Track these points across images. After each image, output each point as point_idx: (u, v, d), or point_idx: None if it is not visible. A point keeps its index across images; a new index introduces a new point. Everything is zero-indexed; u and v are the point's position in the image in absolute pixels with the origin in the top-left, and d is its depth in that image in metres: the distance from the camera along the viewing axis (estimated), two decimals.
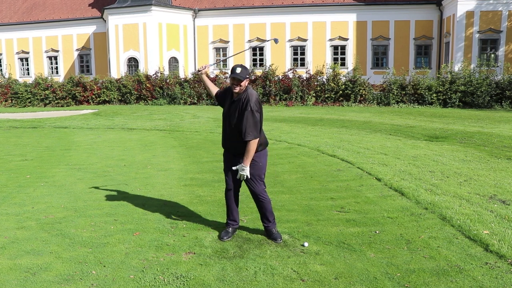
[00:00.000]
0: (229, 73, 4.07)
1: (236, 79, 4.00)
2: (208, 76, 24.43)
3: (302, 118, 15.83)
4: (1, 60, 33.78)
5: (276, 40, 4.86)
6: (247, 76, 4.08)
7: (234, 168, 4.19)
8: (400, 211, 5.10)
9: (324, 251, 4.04)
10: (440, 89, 20.06)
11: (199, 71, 4.49)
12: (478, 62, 21.83)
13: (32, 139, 11.75)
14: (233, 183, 4.35)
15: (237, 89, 4.05)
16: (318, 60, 27.68)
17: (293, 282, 3.48)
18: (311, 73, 23.10)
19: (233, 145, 4.22)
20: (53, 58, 32.90)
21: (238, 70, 4.01)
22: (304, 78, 22.13)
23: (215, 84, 22.72)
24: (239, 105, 4.08)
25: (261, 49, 29.63)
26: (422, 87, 20.24)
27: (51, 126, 14.75)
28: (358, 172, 7.09)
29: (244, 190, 5.30)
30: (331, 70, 22.02)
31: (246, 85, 4.12)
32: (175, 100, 23.23)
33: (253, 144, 4.06)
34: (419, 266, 3.70)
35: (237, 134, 4.12)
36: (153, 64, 27.24)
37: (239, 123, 4.07)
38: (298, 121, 14.70)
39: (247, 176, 4.14)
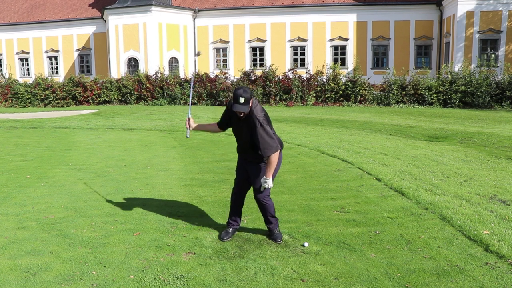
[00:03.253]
0: (232, 100, 3.89)
1: (240, 112, 3.94)
2: (208, 77, 24.29)
3: (302, 118, 15.83)
4: (1, 60, 33.77)
5: (198, 53, 5.02)
6: (251, 99, 3.89)
7: (257, 185, 4.14)
8: (400, 211, 5.10)
9: (324, 251, 4.04)
10: (440, 89, 20.06)
11: (187, 128, 4.48)
12: (478, 62, 21.83)
13: (32, 139, 11.74)
14: (242, 186, 4.39)
15: (242, 116, 4.00)
16: (318, 60, 27.69)
17: (293, 282, 3.48)
18: (311, 73, 23.10)
19: (248, 154, 4.24)
20: (53, 58, 32.90)
21: (242, 100, 3.82)
22: (304, 78, 22.13)
23: (215, 84, 22.74)
24: (247, 122, 4.01)
25: (261, 49, 29.63)
26: (422, 87, 20.24)
27: (51, 126, 14.75)
28: (358, 172, 7.09)
29: None
30: (331, 70, 22.01)
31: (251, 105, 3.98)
32: (175, 100, 23.24)
33: (275, 157, 3.97)
34: (419, 266, 3.70)
35: (250, 146, 4.12)
36: (153, 64, 27.25)
37: (251, 140, 4.02)
38: (298, 121, 14.70)
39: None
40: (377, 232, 4.48)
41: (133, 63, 28.36)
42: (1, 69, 33.05)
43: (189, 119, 4.43)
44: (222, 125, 4.36)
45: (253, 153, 4.15)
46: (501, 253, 3.88)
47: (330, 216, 5.00)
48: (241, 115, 4.00)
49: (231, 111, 4.14)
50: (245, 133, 4.08)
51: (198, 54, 4.39)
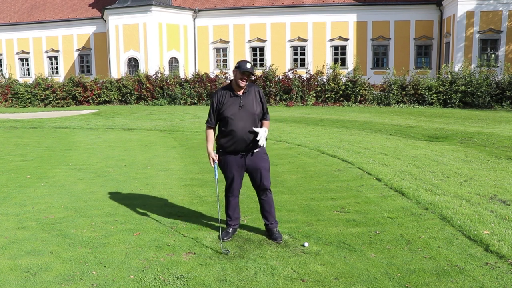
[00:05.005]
0: (238, 68, 4.12)
1: (247, 73, 4.10)
2: (208, 77, 24.37)
3: (302, 118, 15.83)
4: (2, 60, 33.78)
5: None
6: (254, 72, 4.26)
7: (255, 129, 4.16)
8: (400, 211, 5.10)
9: (324, 251, 4.04)
10: (441, 89, 20.05)
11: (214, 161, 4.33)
12: (479, 62, 21.83)
13: (33, 139, 11.75)
14: (238, 185, 4.38)
15: (243, 84, 4.15)
16: (318, 60, 27.68)
17: (293, 282, 3.47)
18: (311, 73, 23.10)
19: (249, 137, 4.17)
20: (53, 58, 32.90)
21: (249, 65, 4.12)
22: (305, 78, 22.13)
23: (215, 84, 22.79)
24: (253, 95, 4.25)
25: (261, 49, 29.63)
26: (423, 87, 20.24)
27: (52, 126, 14.76)
28: (358, 172, 7.09)
29: (243, 190, 5.30)
30: (331, 70, 22.01)
31: None
32: (175, 100, 23.24)
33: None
34: (419, 266, 3.70)
35: (253, 123, 4.18)
36: (153, 64, 27.25)
37: (259, 109, 4.25)
38: (298, 121, 14.70)
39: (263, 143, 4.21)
40: (377, 232, 4.48)
41: (133, 63, 28.36)
42: (1, 69, 33.05)
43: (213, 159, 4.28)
44: (215, 123, 4.32)
45: (254, 132, 4.17)
46: (501, 253, 3.88)
47: (330, 216, 5.00)
48: (243, 83, 4.14)
49: (222, 98, 4.22)
50: (253, 105, 4.19)
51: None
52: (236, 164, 4.27)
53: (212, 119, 4.29)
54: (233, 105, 4.18)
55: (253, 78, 4.53)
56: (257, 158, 4.26)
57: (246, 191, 5.65)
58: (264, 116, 4.33)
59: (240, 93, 4.21)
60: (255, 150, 4.25)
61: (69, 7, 32.56)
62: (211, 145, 4.33)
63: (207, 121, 4.33)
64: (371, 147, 9.41)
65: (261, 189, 4.34)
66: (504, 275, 3.51)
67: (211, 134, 4.33)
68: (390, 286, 3.38)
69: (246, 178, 4.48)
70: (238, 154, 4.25)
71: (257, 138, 4.15)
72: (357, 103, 20.97)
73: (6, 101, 24.70)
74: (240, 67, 4.10)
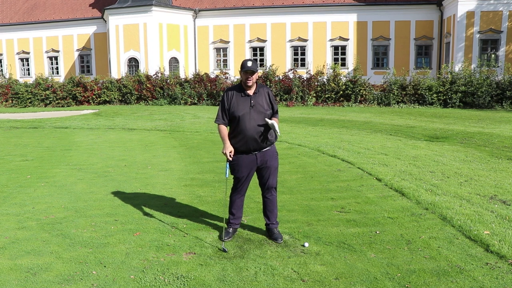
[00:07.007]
0: (241, 68, 4.14)
1: (249, 71, 4.10)
2: (208, 77, 24.34)
3: (302, 118, 15.83)
4: (2, 61, 33.78)
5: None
6: (258, 68, 4.20)
7: (267, 119, 4.17)
8: (400, 212, 5.10)
9: (324, 251, 4.04)
10: (441, 90, 20.05)
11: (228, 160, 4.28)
12: (479, 62, 21.83)
13: (33, 140, 11.75)
14: (247, 185, 4.40)
15: (250, 82, 4.15)
16: (319, 60, 27.68)
17: (293, 282, 3.47)
18: (312, 73, 23.10)
19: (259, 135, 4.18)
20: (53, 58, 32.91)
21: (250, 63, 4.12)
22: (305, 78, 22.13)
23: (215, 84, 22.80)
24: (264, 96, 4.27)
25: (262, 49, 29.63)
26: (423, 88, 20.24)
27: (52, 127, 14.76)
28: (358, 173, 7.09)
29: None
30: (331, 70, 22.01)
31: (257, 78, 4.25)
32: (175, 100, 23.24)
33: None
34: (419, 266, 3.70)
35: (262, 121, 4.19)
36: (153, 64, 27.25)
37: (269, 110, 4.28)
38: (298, 121, 14.70)
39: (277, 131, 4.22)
40: (378, 232, 4.48)
41: (133, 63, 28.36)
42: (2, 69, 33.05)
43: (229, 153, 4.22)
44: (226, 120, 4.28)
45: (264, 129, 4.17)
46: (502, 253, 3.88)
47: (331, 216, 5.00)
48: (250, 82, 4.13)
49: (233, 97, 4.22)
50: (262, 107, 4.20)
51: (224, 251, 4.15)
52: (248, 163, 4.28)
53: (224, 118, 4.26)
54: (244, 105, 4.19)
55: (258, 72, 4.51)
56: (269, 156, 4.29)
57: (247, 191, 5.65)
58: (273, 115, 4.36)
59: (251, 93, 4.22)
60: (266, 148, 4.27)
61: (69, 7, 32.57)
62: (228, 141, 4.24)
63: (217, 119, 4.28)
64: (371, 147, 9.41)
65: (267, 188, 4.36)
66: (504, 275, 3.51)
67: (225, 130, 4.30)
68: (390, 286, 3.38)
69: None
70: (249, 153, 4.25)
71: (272, 128, 4.17)
72: (357, 103, 20.97)
73: (6, 101, 24.70)
74: (242, 67, 4.13)
